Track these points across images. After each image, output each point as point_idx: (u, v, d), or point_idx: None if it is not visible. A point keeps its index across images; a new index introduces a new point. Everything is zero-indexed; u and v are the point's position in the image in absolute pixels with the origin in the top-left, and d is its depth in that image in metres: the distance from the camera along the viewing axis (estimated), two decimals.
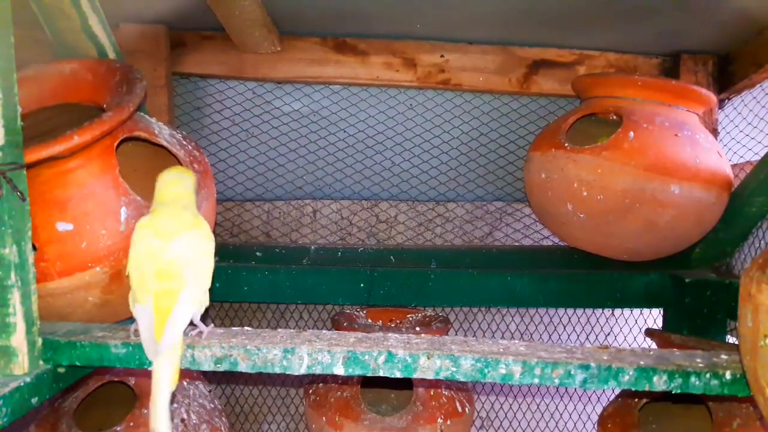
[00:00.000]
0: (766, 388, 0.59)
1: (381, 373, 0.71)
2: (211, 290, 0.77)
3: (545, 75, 1.56)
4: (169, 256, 0.71)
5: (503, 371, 0.70)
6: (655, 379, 0.69)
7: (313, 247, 1.43)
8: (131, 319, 0.93)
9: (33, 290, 0.70)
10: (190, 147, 0.99)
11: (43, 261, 0.81)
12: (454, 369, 0.70)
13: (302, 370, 0.71)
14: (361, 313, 1.32)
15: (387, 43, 1.54)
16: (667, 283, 1.30)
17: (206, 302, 0.76)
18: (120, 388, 1.08)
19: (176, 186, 0.78)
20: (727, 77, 1.49)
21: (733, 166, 1.31)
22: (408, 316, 1.35)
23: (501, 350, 0.73)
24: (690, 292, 1.25)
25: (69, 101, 0.97)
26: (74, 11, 1.01)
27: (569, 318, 1.68)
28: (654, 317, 1.64)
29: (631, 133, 1.16)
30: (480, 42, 1.55)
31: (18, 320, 0.68)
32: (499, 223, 1.65)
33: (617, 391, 1.18)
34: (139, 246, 0.73)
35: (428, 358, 0.70)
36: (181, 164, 0.95)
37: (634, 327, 1.67)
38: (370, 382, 1.20)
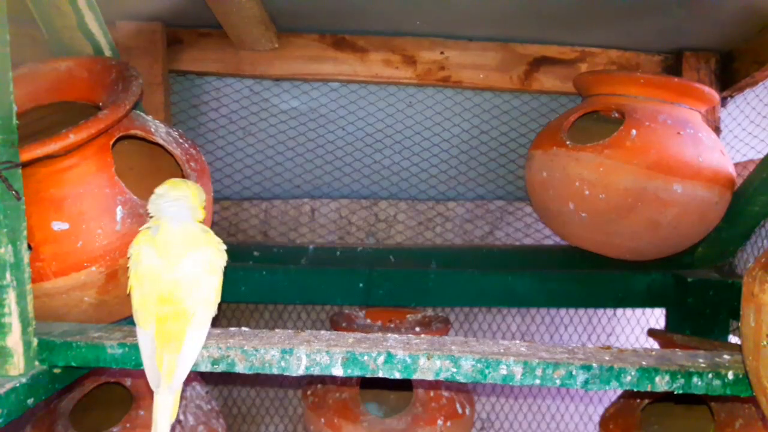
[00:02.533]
0: None
1: (380, 374, 0.71)
2: None
3: (546, 72, 1.55)
4: (174, 281, 0.66)
5: (504, 372, 0.69)
6: (657, 379, 0.69)
7: (311, 247, 1.42)
8: (127, 320, 0.93)
9: (28, 290, 0.69)
10: (186, 145, 0.98)
11: (39, 261, 0.81)
12: (454, 370, 0.69)
13: (300, 371, 0.70)
14: (360, 313, 1.32)
15: (386, 40, 1.53)
16: (670, 282, 1.29)
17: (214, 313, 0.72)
18: (116, 389, 1.08)
19: (179, 201, 0.70)
20: (730, 75, 1.48)
21: (736, 165, 1.30)
22: (407, 316, 1.34)
23: (502, 351, 0.72)
24: (692, 291, 1.24)
25: (65, 99, 0.97)
26: (70, 9, 1.01)
27: (571, 318, 1.67)
28: (656, 317, 1.64)
29: (634, 131, 1.15)
30: (480, 39, 1.54)
31: (13, 320, 0.67)
32: (499, 222, 1.64)
33: (619, 391, 1.17)
34: (141, 266, 0.68)
35: (428, 359, 0.69)
36: (177, 162, 0.95)
37: (636, 327, 1.67)
38: (369, 384, 1.19)
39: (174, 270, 0.67)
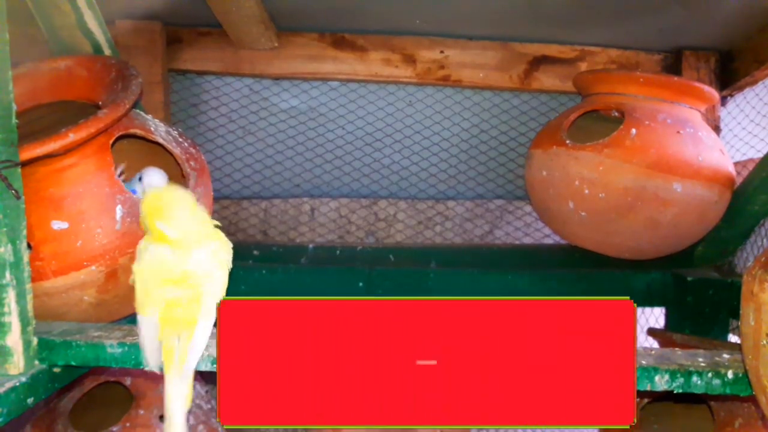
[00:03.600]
0: None
1: None
2: None
3: (546, 71, 1.55)
4: (188, 269, 0.67)
5: None
6: (656, 378, 0.68)
7: (311, 246, 1.42)
8: (127, 319, 0.93)
9: (28, 289, 0.69)
10: (186, 144, 0.98)
11: (38, 260, 0.81)
12: None
13: None
14: None
15: (386, 39, 1.53)
16: (669, 281, 1.29)
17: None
18: (116, 388, 1.07)
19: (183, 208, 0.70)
20: (730, 74, 1.48)
21: (736, 164, 1.30)
22: None
23: None
24: (692, 290, 1.24)
25: (64, 98, 0.97)
26: (69, 7, 1.00)
27: None
28: (656, 316, 1.63)
29: (633, 131, 1.15)
30: (480, 38, 1.54)
31: (13, 320, 0.67)
32: (499, 222, 1.64)
33: None
34: (149, 255, 0.68)
35: None
36: (177, 161, 0.95)
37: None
38: None
39: (188, 257, 0.67)
